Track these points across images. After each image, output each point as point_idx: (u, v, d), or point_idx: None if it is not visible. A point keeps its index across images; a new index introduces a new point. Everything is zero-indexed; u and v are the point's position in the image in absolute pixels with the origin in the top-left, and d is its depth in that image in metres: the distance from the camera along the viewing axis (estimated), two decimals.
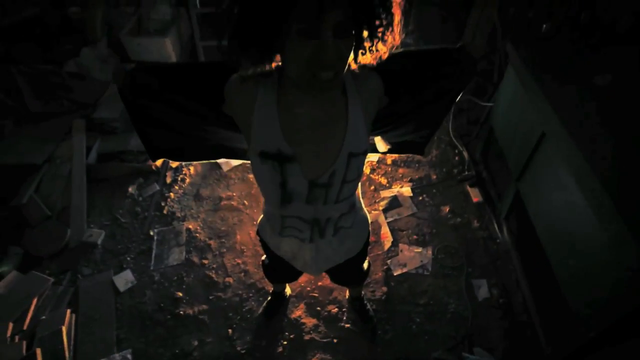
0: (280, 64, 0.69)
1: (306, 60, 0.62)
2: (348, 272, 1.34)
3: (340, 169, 0.80)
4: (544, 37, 1.60)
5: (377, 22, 0.64)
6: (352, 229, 1.02)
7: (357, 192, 1.00)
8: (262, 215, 1.10)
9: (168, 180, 2.26)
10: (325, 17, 0.58)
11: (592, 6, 1.49)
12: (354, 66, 0.71)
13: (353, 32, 0.64)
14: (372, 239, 1.93)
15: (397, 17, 0.66)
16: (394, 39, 0.68)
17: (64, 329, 1.60)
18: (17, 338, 1.58)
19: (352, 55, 0.68)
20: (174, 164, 2.35)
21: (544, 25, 1.57)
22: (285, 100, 0.75)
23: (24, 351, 1.53)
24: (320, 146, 0.77)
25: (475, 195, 2.11)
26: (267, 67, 0.70)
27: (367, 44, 0.67)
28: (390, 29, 0.66)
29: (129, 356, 1.60)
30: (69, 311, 1.68)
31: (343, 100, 0.77)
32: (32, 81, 2.56)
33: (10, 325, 1.60)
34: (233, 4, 0.61)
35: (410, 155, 2.36)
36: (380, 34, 0.66)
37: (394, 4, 0.64)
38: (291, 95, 0.74)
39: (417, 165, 2.32)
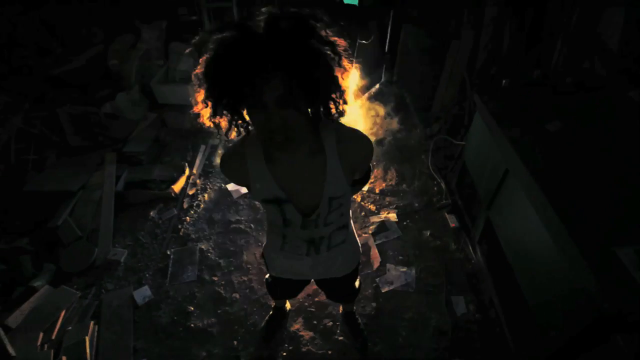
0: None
1: (258, 126, 0.69)
2: (341, 289, 1.35)
3: (324, 207, 0.86)
4: (504, 89, 1.68)
5: (324, 91, 0.67)
6: (344, 245, 1.04)
7: (348, 217, 1.04)
8: (265, 243, 1.13)
9: (185, 205, 2.29)
10: (266, 93, 0.62)
11: (543, 66, 1.58)
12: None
13: (295, 102, 0.65)
14: (362, 259, 1.93)
15: (346, 82, 0.70)
16: (345, 102, 0.72)
17: (87, 339, 1.57)
18: (45, 346, 1.55)
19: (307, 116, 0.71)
20: (191, 192, 2.38)
21: (504, 81, 1.65)
22: (270, 154, 0.81)
23: (52, 358, 1.50)
24: (306, 192, 0.84)
25: (452, 221, 2.13)
26: (245, 131, 0.76)
27: (331, 106, 0.71)
28: (339, 94, 0.70)
29: None
30: (92, 323, 1.65)
31: (321, 158, 0.80)
32: (73, 120, 2.64)
33: (41, 334, 1.58)
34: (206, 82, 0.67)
35: (396, 186, 2.40)
36: (333, 100, 0.69)
37: (337, 74, 0.67)
38: (273, 152, 0.80)
39: (401, 194, 2.35)
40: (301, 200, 0.85)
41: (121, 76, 2.85)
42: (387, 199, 2.32)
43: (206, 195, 2.36)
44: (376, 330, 1.67)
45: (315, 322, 1.70)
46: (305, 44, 0.63)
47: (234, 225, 2.17)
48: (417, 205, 2.26)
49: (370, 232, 2.11)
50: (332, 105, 0.71)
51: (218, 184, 2.45)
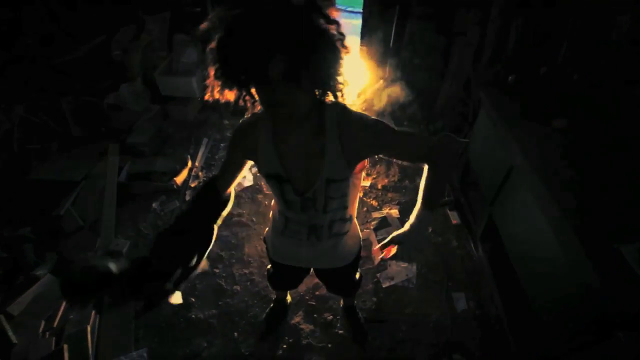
0: None
1: (264, 100, 0.70)
2: (342, 281, 1.35)
3: (320, 189, 0.86)
4: (510, 86, 1.66)
5: (327, 70, 0.68)
6: (345, 236, 1.05)
7: (352, 211, 1.04)
8: (267, 228, 1.13)
9: (187, 198, 2.29)
10: (271, 67, 0.63)
11: (549, 62, 1.57)
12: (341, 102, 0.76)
13: (299, 77, 0.65)
14: (363, 254, 1.93)
15: (339, 62, 0.70)
16: (343, 81, 0.72)
17: (88, 327, 1.58)
18: (47, 334, 1.56)
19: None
20: (193, 184, 2.38)
21: (510, 77, 1.64)
22: (278, 132, 0.84)
23: (53, 346, 1.51)
24: (304, 171, 0.85)
25: (454, 218, 2.13)
26: (251, 107, 0.77)
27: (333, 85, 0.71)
28: (340, 73, 0.70)
29: (145, 354, 1.57)
30: (93, 312, 1.66)
31: (321, 139, 0.81)
32: (76, 110, 2.64)
33: (43, 322, 1.59)
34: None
35: (398, 182, 2.39)
36: (333, 79, 0.70)
37: (338, 55, 0.68)
38: (280, 130, 0.83)
39: (404, 190, 2.35)
40: (299, 179, 0.86)
41: (124, 67, 2.83)
42: (389, 194, 2.32)
43: None
44: (376, 325, 1.67)
45: (315, 315, 1.71)
46: (312, 21, 0.64)
47: (235, 218, 2.17)
48: None
49: (371, 227, 2.11)
50: (334, 84, 0.72)
51: None
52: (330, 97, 0.74)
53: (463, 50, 2.36)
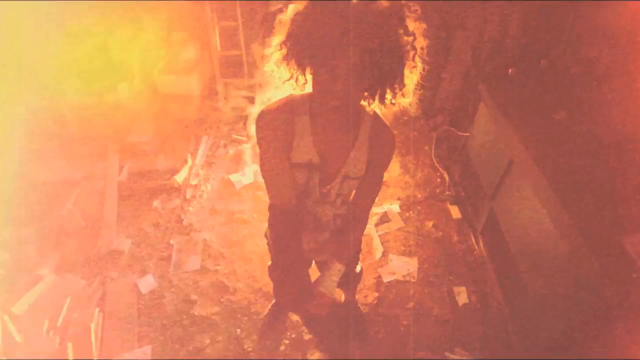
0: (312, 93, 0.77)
1: (321, 87, 0.71)
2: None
3: (337, 184, 0.90)
4: (510, 79, 1.66)
5: (388, 79, 0.70)
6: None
7: None
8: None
9: (187, 196, 2.29)
10: (340, 61, 0.66)
11: (549, 55, 1.56)
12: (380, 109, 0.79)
13: (361, 78, 0.68)
14: (364, 249, 1.94)
15: (412, 79, 0.73)
16: (407, 96, 0.75)
17: (92, 326, 1.59)
18: (51, 333, 1.57)
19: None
20: (194, 182, 2.38)
21: (510, 70, 1.63)
22: (315, 122, 0.83)
23: (57, 345, 1.52)
24: (330, 162, 0.87)
25: (455, 213, 2.13)
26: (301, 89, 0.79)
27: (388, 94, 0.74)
28: (402, 87, 0.73)
29: (149, 352, 1.58)
30: (97, 310, 1.67)
31: (352, 138, 0.85)
32: (75, 109, 2.63)
33: (47, 321, 1.60)
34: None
35: (399, 177, 2.39)
36: (392, 89, 0.72)
37: (405, 68, 0.71)
38: (319, 119, 0.82)
39: (404, 185, 2.34)
40: (326, 170, 0.88)
41: (124, 66, 2.83)
42: (390, 190, 2.32)
43: (209, 186, 2.36)
44: (378, 320, 1.68)
45: None
46: (390, 29, 0.66)
47: (236, 216, 2.17)
48: (419, 196, 2.26)
49: (372, 222, 2.11)
50: (389, 94, 0.74)
51: (220, 175, 2.45)
52: (375, 105, 0.76)
53: (462, 44, 2.35)
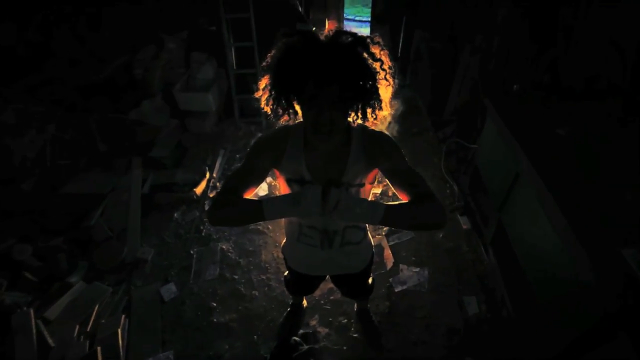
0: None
1: (309, 119, 0.81)
2: (355, 287, 1.41)
3: (337, 192, 0.94)
4: (515, 94, 1.70)
5: (367, 99, 0.81)
6: (359, 246, 1.11)
7: (366, 225, 1.10)
8: (284, 239, 1.21)
9: (206, 207, 2.39)
10: (322, 95, 0.76)
11: (554, 71, 1.61)
12: (370, 124, 0.89)
13: (344, 105, 0.80)
14: (376, 259, 1.98)
15: (387, 94, 0.83)
16: (385, 109, 0.85)
17: (119, 331, 1.68)
18: (82, 338, 1.67)
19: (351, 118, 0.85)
20: (212, 194, 2.49)
21: (515, 86, 1.68)
22: (309, 143, 0.92)
23: (87, 349, 1.61)
24: (327, 176, 0.93)
25: (464, 223, 2.15)
26: (294, 120, 0.89)
27: (369, 111, 0.83)
28: (381, 103, 0.83)
29: (171, 356, 1.66)
30: (123, 316, 1.76)
31: (346, 150, 0.92)
32: (102, 127, 2.80)
33: (77, 327, 1.70)
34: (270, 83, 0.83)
35: None
36: (372, 107, 0.83)
37: (380, 87, 0.81)
38: (313, 141, 0.90)
39: None
40: (321, 182, 0.93)
41: (146, 84, 2.99)
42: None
43: None
44: (389, 328, 1.72)
45: (330, 319, 1.77)
46: (359, 58, 0.76)
47: (252, 226, 2.25)
48: None
49: (383, 233, 2.16)
50: (369, 111, 0.84)
51: None
52: (359, 121, 0.85)
53: (470, 58, 2.41)
